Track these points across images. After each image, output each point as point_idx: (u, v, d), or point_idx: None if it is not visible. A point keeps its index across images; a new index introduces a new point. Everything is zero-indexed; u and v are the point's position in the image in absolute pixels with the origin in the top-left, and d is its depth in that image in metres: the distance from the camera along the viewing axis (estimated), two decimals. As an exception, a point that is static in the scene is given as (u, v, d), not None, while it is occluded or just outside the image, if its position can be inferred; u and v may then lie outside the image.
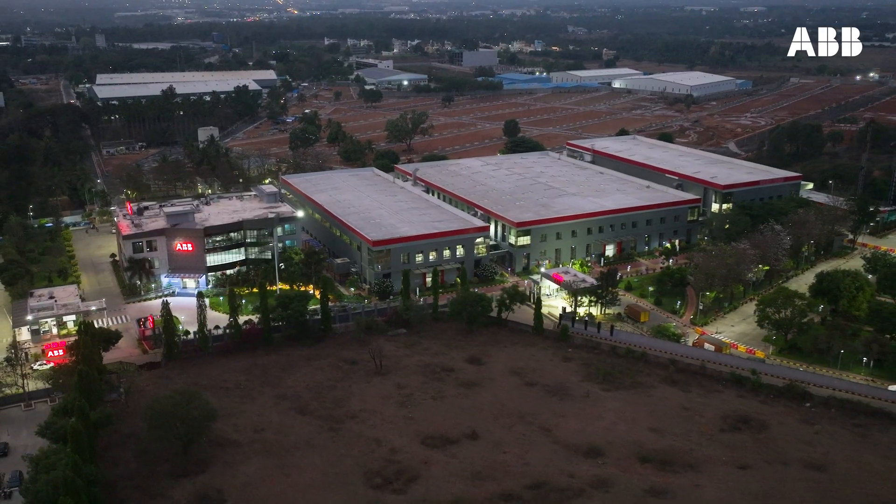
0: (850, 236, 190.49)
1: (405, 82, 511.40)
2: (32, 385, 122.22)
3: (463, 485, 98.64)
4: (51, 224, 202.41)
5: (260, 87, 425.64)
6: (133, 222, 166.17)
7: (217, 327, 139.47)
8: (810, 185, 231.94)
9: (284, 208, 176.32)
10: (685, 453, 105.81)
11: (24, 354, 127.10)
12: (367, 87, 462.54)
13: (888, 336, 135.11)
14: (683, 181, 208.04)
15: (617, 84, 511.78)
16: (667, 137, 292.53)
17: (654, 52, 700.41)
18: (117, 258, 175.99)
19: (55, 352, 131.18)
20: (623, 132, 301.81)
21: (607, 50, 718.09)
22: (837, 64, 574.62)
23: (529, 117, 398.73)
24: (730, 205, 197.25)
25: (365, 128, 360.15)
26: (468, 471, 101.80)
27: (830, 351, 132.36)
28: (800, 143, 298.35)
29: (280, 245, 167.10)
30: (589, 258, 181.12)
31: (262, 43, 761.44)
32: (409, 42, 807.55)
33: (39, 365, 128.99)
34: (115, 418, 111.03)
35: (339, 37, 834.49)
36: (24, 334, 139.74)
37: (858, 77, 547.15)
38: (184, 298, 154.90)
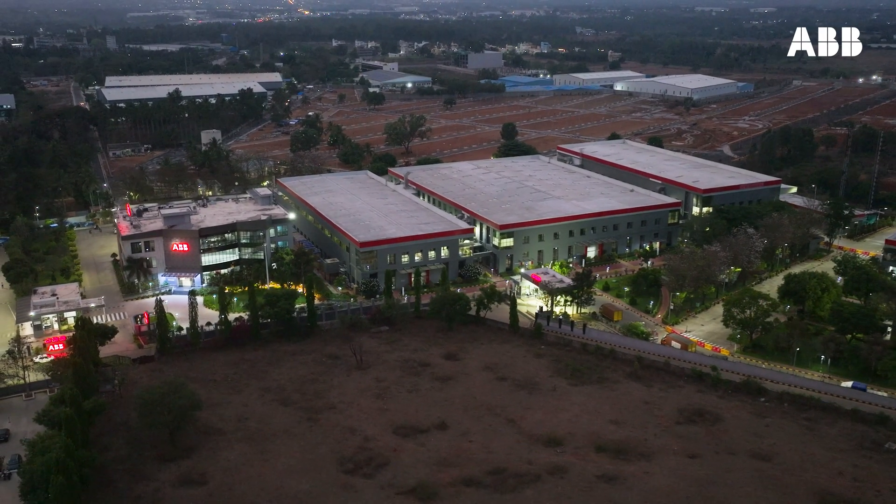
0: (826, 239, 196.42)
1: (409, 84, 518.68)
2: (34, 376, 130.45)
3: (428, 470, 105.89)
4: (55, 224, 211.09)
5: (265, 90, 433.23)
6: (132, 224, 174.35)
7: (209, 324, 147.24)
8: (794, 189, 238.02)
9: (277, 210, 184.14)
10: (640, 443, 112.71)
11: (26, 348, 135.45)
12: (371, 90, 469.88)
13: (848, 335, 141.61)
14: (666, 185, 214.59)
15: (619, 87, 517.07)
16: (656, 141, 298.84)
17: (660, 54, 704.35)
18: (118, 258, 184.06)
19: (56, 346, 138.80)
20: (614, 136, 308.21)
21: (612, 52, 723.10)
22: (842, 66, 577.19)
23: (530, 120, 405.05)
24: (710, 208, 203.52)
25: (366, 130, 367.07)
26: (434, 458, 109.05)
27: (790, 349, 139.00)
28: (791, 146, 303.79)
29: (273, 246, 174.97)
30: (571, 259, 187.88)
31: (271, 44, 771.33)
32: (415, 44, 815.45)
33: (41, 358, 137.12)
34: (108, 408, 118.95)
35: (348, 38, 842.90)
36: (28, 329, 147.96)
37: (861, 80, 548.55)
38: (180, 296, 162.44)
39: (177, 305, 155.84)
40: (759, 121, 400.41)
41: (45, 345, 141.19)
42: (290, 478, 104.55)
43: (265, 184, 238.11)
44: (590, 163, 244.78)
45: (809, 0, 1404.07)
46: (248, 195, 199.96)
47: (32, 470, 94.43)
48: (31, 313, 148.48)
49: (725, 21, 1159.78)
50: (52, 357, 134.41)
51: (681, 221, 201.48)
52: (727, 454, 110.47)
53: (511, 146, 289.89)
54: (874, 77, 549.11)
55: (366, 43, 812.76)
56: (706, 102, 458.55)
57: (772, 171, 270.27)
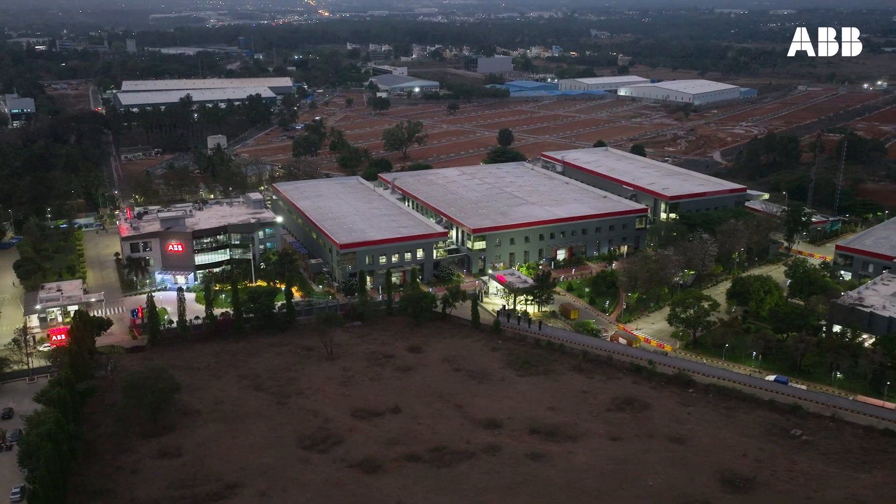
0: (786, 244, 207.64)
1: (416, 89, 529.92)
2: (37, 363, 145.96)
3: (377, 447, 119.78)
4: (65, 225, 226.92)
5: (274, 95, 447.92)
6: (132, 225, 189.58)
7: (197, 318, 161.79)
8: (766, 196, 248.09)
9: (266, 214, 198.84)
10: (570, 427, 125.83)
11: (32, 338, 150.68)
12: (379, 95, 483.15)
13: (783, 334, 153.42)
14: (637, 192, 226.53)
15: (622, 92, 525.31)
16: (639, 148, 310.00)
17: (670, 58, 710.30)
18: (120, 256, 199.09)
19: (58, 336, 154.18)
20: (600, 143, 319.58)
21: (622, 56, 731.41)
22: (853, 70, 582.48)
23: (531, 125, 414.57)
24: (676, 214, 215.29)
25: (370, 135, 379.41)
26: (385, 437, 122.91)
27: (725, 346, 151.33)
28: (776, 153, 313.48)
29: (261, 247, 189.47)
30: (541, 262, 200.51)
31: (286, 48, 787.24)
32: (428, 47, 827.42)
33: (44, 347, 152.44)
34: (100, 390, 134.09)
35: (362, 41, 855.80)
36: (34, 321, 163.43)
37: (866, 85, 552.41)
38: (174, 293, 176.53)
39: (171, 301, 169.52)
40: (756, 126, 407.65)
41: (48, 335, 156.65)
42: (255, 452, 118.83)
43: (262, 188, 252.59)
44: (570, 170, 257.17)
45: (831, 2, 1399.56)
46: (241, 199, 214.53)
47: (29, 441, 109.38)
48: (38, 306, 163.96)
49: (743, 23, 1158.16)
50: (54, 346, 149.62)
51: (647, 226, 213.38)
52: (647, 437, 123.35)
53: (500, 152, 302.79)
54: (879, 82, 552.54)
55: (379, 46, 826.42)
56: (707, 108, 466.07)
57: (756, 177, 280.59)
